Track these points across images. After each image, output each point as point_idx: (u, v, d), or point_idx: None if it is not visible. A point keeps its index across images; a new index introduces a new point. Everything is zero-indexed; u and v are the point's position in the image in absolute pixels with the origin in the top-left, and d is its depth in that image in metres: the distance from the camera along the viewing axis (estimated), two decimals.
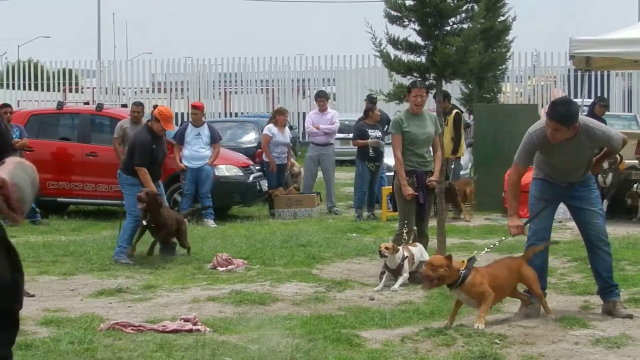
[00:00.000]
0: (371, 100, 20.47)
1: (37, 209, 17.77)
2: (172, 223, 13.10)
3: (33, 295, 10.39)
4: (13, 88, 44.05)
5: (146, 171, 13.01)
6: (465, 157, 21.24)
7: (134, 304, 9.90)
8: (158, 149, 13.29)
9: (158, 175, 13.51)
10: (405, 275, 11.00)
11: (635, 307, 9.27)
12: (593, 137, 8.83)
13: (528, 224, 9.11)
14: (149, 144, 13.13)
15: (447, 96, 17.93)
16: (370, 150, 18.30)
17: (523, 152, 9.01)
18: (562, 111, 8.57)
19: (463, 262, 8.59)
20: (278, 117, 19.76)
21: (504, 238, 9.27)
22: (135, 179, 13.08)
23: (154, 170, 13.21)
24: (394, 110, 19.45)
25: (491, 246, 9.28)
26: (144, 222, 12.84)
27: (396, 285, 10.83)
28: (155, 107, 14.06)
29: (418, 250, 11.27)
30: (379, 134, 18.49)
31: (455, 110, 18.87)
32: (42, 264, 12.75)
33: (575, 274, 11.29)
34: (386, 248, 10.91)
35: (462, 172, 20.06)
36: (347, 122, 29.02)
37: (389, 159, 17.29)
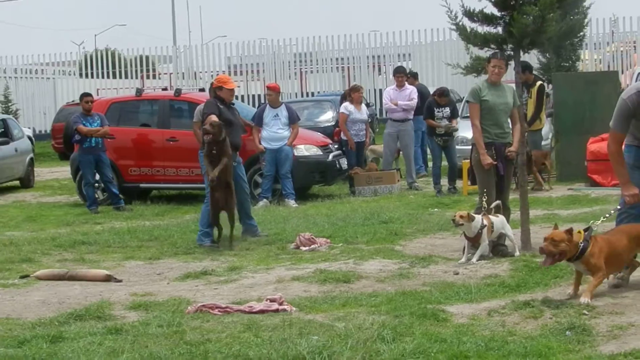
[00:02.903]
0: (413, 76, 20.71)
1: (120, 195, 18.01)
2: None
3: (120, 281, 10.55)
4: (92, 77, 44.56)
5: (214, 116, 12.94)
6: (546, 128, 21.00)
7: (219, 286, 9.98)
8: (228, 112, 13.25)
9: (235, 144, 13.36)
10: (484, 244, 10.89)
11: None
12: None
13: None
14: (214, 102, 13.19)
15: (528, 67, 17.73)
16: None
17: (618, 118, 8.77)
18: None
19: (580, 232, 8.40)
20: (353, 94, 19.73)
21: (619, 207, 9.02)
22: None
23: (229, 134, 13.04)
24: (471, 83, 19.33)
25: (607, 215, 9.03)
26: (213, 151, 12.70)
27: (474, 258, 10.76)
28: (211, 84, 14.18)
29: (500, 221, 11.15)
30: (447, 112, 18.42)
31: (539, 82, 18.66)
32: (128, 250, 12.92)
33: None
34: (460, 217, 10.82)
35: (543, 143, 19.84)
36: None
37: (465, 132, 17.19)
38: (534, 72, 20.54)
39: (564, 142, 19.05)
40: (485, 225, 10.87)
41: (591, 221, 9.01)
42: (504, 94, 11.47)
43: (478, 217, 10.88)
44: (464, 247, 11.06)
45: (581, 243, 8.30)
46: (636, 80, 25.70)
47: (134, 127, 19.37)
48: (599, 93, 18.82)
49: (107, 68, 45.03)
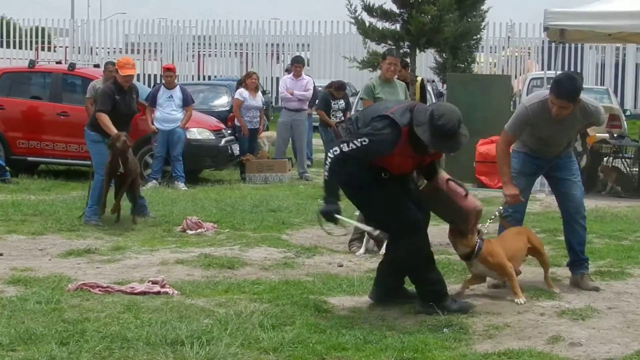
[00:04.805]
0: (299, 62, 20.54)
1: (6, 168, 17.68)
2: (137, 172, 13.10)
3: (1, 254, 10.36)
4: None
5: (107, 117, 12.66)
6: None
7: (102, 265, 9.88)
8: (122, 102, 12.92)
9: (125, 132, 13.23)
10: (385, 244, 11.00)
11: (602, 280, 9.34)
12: (586, 113, 8.75)
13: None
14: (110, 92, 12.87)
15: (406, 65, 17.97)
16: (333, 118, 18.61)
17: (516, 123, 8.87)
18: (571, 88, 8.43)
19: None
20: (247, 80, 19.74)
21: (501, 207, 9.17)
22: (99, 135, 12.88)
23: (119, 125, 12.79)
24: (367, 77, 19.50)
25: (492, 217, 9.18)
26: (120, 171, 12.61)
27: (360, 251, 10.89)
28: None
29: None
30: (342, 105, 18.70)
31: (420, 77, 18.89)
32: (11, 223, 12.69)
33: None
34: None
35: None
36: (320, 89, 29.01)
37: None
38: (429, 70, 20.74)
39: None
40: None
41: (479, 224, 9.12)
42: (396, 91, 11.60)
43: None
44: (350, 241, 11.14)
45: (477, 240, 8.35)
46: (529, 86, 26.25)
47: (24, 98, 19.01)
48: (491, 96, 19.08)
49: (1, 37, 44.12)
